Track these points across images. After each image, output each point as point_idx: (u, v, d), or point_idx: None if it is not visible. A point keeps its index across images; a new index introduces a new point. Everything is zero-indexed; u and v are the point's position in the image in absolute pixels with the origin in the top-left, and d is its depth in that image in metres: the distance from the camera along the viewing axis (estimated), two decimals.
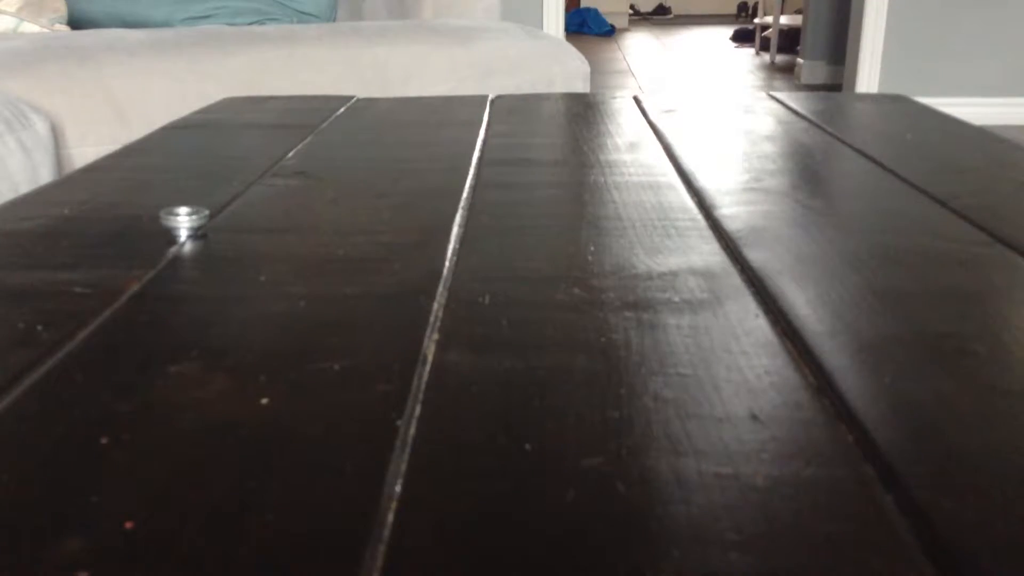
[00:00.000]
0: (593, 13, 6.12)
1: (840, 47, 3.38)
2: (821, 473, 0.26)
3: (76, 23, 1.70)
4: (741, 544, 0.23)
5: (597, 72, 4.34)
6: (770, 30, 4.65)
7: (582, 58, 1.58)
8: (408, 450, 0.27)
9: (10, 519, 0.25)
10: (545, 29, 2.83)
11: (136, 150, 0.74)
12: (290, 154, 0.70)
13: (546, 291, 0.41)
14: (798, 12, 4.51)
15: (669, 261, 0.45)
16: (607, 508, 0.25)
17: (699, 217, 0.52)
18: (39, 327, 0.37)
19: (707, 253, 0.46)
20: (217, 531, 0.24)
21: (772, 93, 0.95)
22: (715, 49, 5.30)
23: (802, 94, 0.95)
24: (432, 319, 0.37)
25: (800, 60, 3.88)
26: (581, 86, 1.56)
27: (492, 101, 0.95)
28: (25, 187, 1.08)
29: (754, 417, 0.29)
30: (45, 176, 1.15)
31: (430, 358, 0.34)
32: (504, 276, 0.43)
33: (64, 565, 0.23)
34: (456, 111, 0.89)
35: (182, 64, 1.33)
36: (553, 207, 0.55)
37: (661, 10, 7.32)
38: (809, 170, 0.64)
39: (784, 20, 4.60)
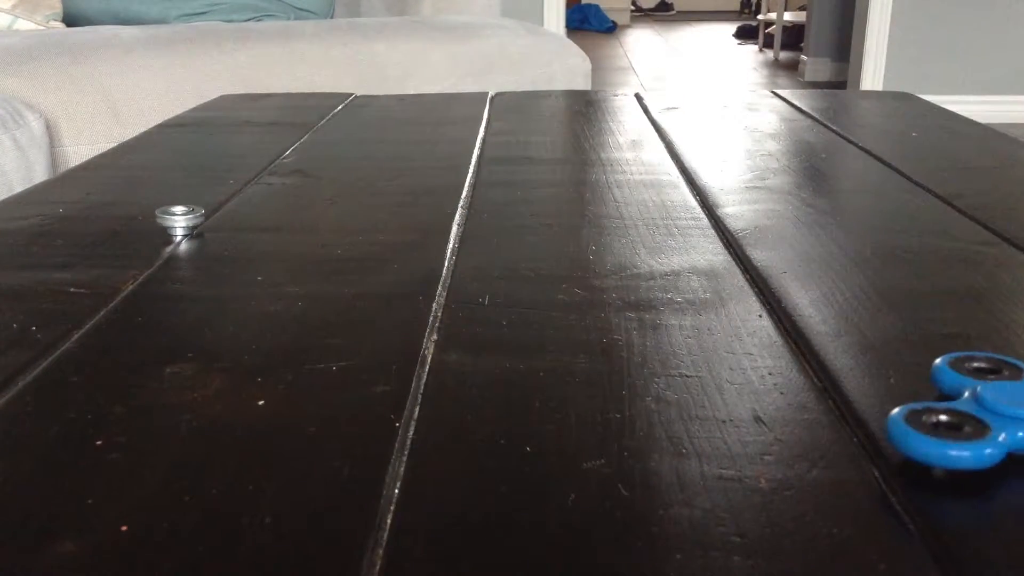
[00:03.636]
0: (594, 9, 6.12)
1: (844, 44, 3.37)
2: (826, 475, 0.26)
3: (71, 20, 1.70)
4: (744, 547, 0.23)
5: (598, 69, 4.34)
6: (774, 27, 4.65)
7: (583, 55, 1.58)
8: (407, 452, 0.27)
9: (5, 522, 0.24)
10: (546, 25, 2.83)
11: (131, 148, 0.73)
12: (287, 152, 0.70)
13: (547, 291, 0.40)
14: (802, 8, 4.51)
15: (671, 261, 0.44)
16: (608, 511, 0.24)
17: (702, 216, 0.52)
18: (33, 327, 0.37)
19: (710, 252, 0.45)
20: (213, 534, 0.23)
21: (776, 90, 0.94)
22: (718, 46, 5.30)
23: (806, 91, 0.95)
24: (431, 319, 0.37)
25: (804, 57, 3.88)
26: (582, 83, 1.55)
27: (492, 98, 0.95)
28: (19, 185, 1.07)
29: (758, 419, 0.29)
30: (40, 174, 1.14)
31: (429, 359, 0.33)
32: (504, 276, 0.43)
33: (59, 568, 0.22)
34: (455, 108, 0.89)
35: (178, 61, 1.32)
36: (554, 206, 0.55)
37: (663, 6, 7.32)
38: (813, 168, 0.64)
39: (788, 17, 4.59)
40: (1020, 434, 0.26)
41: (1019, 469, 0.26)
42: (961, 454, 0.25)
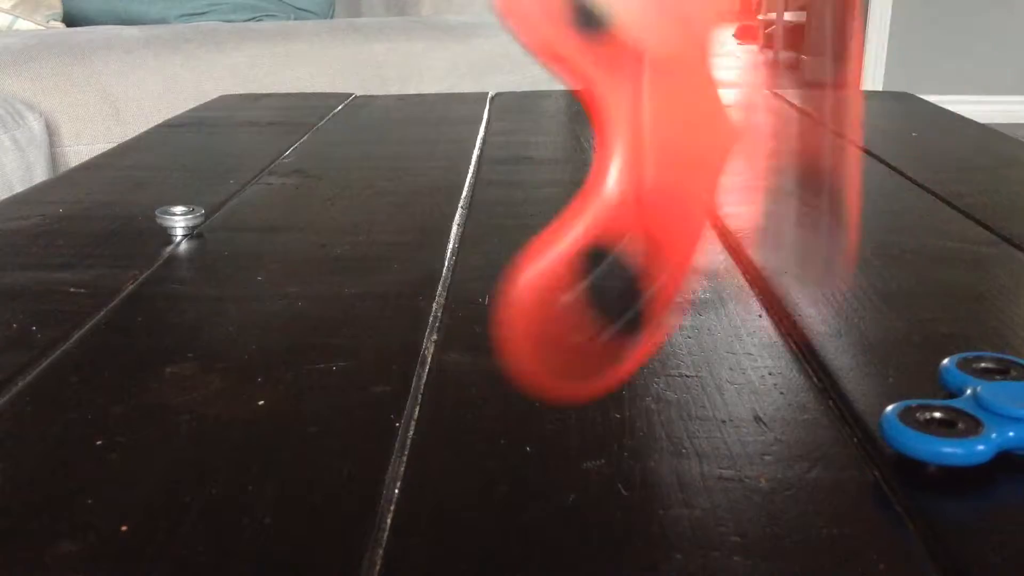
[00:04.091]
0: None
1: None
2: (826, 476, 0.26)
3: (71, 20, 1.70)
4: (744, 547, 0.23)
5: None
6: (774, 27, 4.64)
7: None
8: (407, 452, 0.27)
9: (5, 522, 0.24)
10: None
11: (131, 148, 0.73)
12: (287, 152, 0.70)
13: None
14: (802, 9, 4.50)
15: None
16: (608, 510, 0.24)
17: None
18: (33, 327, 0.37)
19: (710, 253, 0.45)
20: (213, 534, 0.23)
21: (776, 90, 0.94)
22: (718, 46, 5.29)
23: (806, 91, 0.95)
24: (431, 319, 0.37)
25: (804, 57, 3.87)
26: None
27: (492, 98, 0.95)
28: (19, 186, 1.07)
29: (757, 419, 0.29)
30: (40, 174, 1.14)
31: (429, 358, 0.33)
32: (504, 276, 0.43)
33: (59, 568, 0.22)
34: (455, 109, 0.89)
35: (178, 61, 1.33)
36: (554, 206, 0.55)
37: None
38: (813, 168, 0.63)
39: (788, 17, 4.59)
40: (1011, 433, 0.26)
41: (1017, 468, 0.26)
42: (951, 450, 0.25)
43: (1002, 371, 0.29)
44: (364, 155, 0.69)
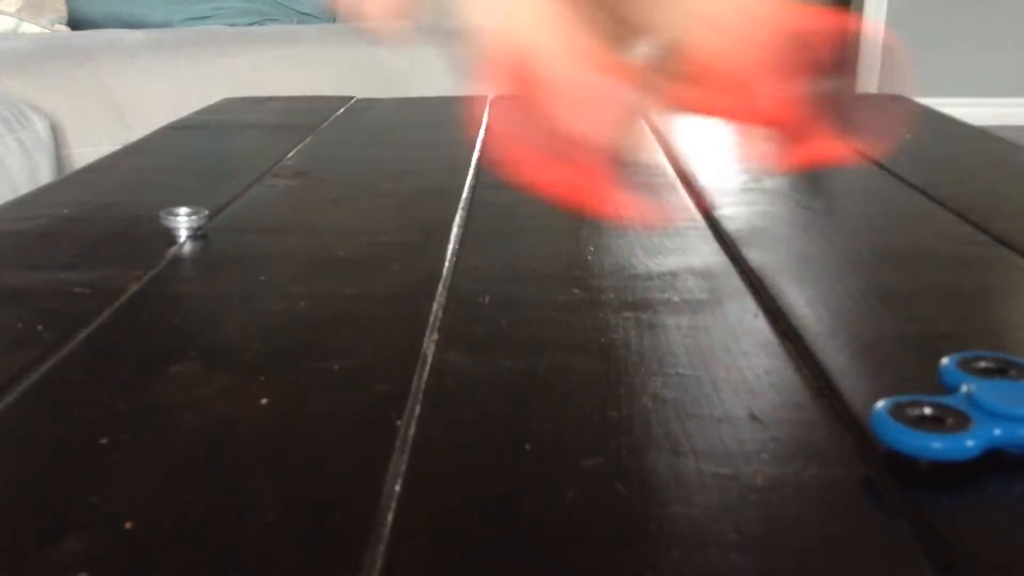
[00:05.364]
0: None
1: None
2: (821, 474, 0.26)
3: (76, 23, 1.70)
4: (741, 545, 0.23)
5: None
6: None
7: None
8: (408, 450, 0.27)
9: (10, 519, 0.24)
10: None
11: (136, 150, 0.74)
12: (290, 154, 0.70)
13: (546, 291, 0.41)
14: None
15: (668, 261, 0.45)
16: (607, 508, 0.24)
17: (698, 217, 0.52)
18: (39, 327, 0.37)
19: (706, 253, 0.46)
20: (216, 532, 0.24)
21: None
22: None
23: None
24: (432, 319, 0.37)
25: None
26: None
27: (492, 101, 0.95)
28: (25, 187, 1.08)
29: (754, 417, 0.29)
30: (45, 176, 1.15)
31: (430, 358, 0.34)
32: (504, 276, 0.43)
33: (63, 565, 0.22)
34: (456, 111, 0.89)
35: (182, 64, 1.33)
36: (553, 207, 0.55)
37: None
38: (809, 170, 0.64)
39: None
40: (998, 431, 0.26)
41: (1012, 465, 0.26)
42: (939, 446, 0.26)
43: (1002, 371, 0.29)
44: (366, 157, 0.70)
